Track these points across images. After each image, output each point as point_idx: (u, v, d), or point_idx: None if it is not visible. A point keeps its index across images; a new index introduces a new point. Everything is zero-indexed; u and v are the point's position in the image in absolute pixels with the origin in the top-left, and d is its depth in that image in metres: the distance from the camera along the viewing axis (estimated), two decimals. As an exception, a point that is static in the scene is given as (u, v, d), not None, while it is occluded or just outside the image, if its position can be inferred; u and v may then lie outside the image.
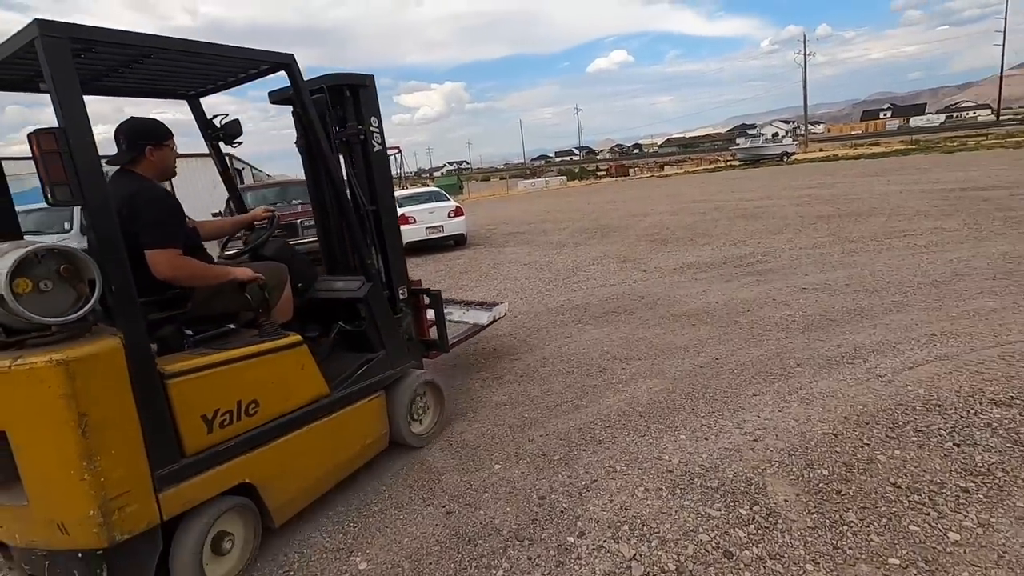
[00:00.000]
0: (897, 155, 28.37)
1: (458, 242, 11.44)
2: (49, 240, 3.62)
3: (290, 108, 2.99)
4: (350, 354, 2.94)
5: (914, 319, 4.22)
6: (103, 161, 1.93)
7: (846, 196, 12.60)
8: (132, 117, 2.33)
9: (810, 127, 77.11)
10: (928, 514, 2.10)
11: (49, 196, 1.74)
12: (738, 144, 46.75)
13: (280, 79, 2.61)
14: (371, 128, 3.06)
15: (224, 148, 3.07)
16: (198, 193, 16.88)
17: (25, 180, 4.90)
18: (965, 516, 2.06)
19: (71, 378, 1.68)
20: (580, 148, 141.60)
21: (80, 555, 1.81)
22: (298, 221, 8.50)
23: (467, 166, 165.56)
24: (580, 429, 3.06)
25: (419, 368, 3.23)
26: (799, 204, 12.17)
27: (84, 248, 1.92)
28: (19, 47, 1.80)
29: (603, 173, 46.33)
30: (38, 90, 2.24)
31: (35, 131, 1.72)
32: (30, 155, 1.72)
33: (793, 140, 45.84)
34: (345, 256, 3.21)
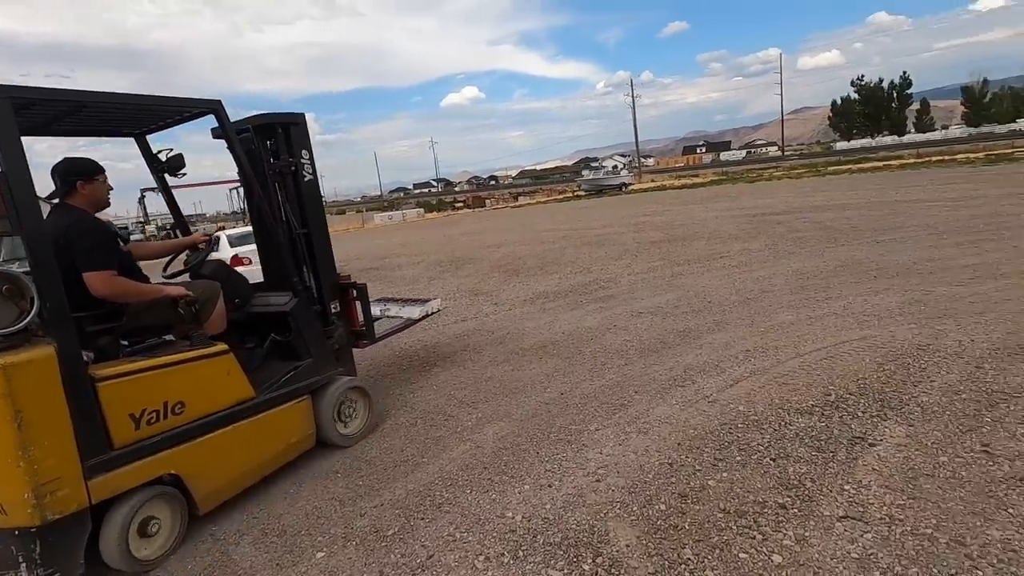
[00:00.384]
0: (712, 184, 32.61)
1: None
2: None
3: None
4: (281, 362, 3.21)
5: (732, 336, 4.60)
6: (41, 199, 2.24)
7: (673, 223, 13.98)
8: (65, 158, 2.61)
9: (642, 160, 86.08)
10: (754, 537, 2.14)
11: None
12: (583, 176, 50.39)
13: None
14: (302, 160, 3.40)
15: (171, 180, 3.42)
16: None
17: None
18: (784, 535, 2.14)
19: (8, 380, 1.97)
20: (438, 180, 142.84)
21: (16, 532, 2.07)
22: None
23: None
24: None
25: (350, 375, 3.51)
26: (636, 231, 13.22)
27: (26, 271, 2.17)
28: None
29: (460, 204, 46.99)
30: None
31: None
32: None
33: (629, 172, 50.65)
34: (282, 274, 3.38)
